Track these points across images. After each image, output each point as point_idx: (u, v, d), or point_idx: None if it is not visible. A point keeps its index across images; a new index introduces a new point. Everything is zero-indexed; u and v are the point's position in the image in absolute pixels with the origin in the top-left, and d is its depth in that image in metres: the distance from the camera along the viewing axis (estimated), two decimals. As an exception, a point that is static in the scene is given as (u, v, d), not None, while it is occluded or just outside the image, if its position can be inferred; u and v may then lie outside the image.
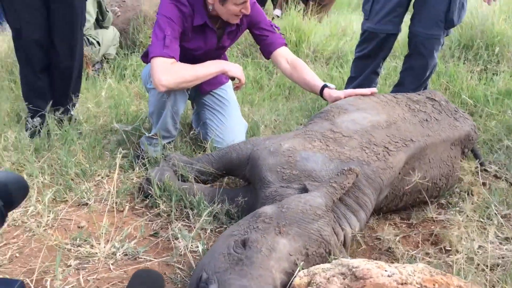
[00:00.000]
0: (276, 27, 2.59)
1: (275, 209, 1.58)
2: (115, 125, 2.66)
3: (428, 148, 2.00)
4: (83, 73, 3.08)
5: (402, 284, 1.22)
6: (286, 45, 2.59)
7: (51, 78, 2.71)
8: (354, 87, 3.06)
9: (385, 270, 1.26)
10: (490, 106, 3.10)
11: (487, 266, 1.65)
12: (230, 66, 2.37)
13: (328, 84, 2.39)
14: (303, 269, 1.40)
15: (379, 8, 2.86)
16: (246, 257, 1.38)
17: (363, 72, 3.07)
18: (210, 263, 1.42)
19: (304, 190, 1.71)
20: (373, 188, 1.79)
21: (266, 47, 2.57)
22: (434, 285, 1.25)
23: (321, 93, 2.39)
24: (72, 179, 2.27)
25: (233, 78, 2.47)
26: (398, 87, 3.00)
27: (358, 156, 1.83)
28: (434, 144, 2.03)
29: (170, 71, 2.20)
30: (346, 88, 3.20)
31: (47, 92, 2.69)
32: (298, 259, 1.43)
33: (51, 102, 2.59)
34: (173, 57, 2.23)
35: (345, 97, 2.25)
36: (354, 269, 1.27)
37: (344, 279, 1.27)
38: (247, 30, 2.60)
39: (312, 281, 1.31)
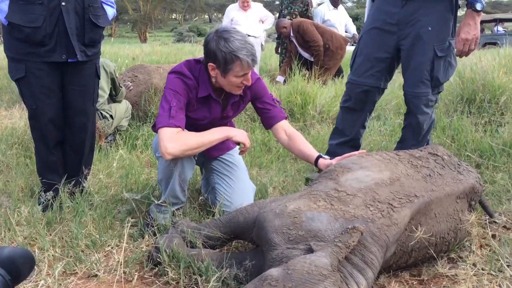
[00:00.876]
0: (277, 101, 2.71)
1: (280, 271, 1.59)
2: (125, 194, 2.72)
3: (433, 203, 2.01)
4: (95, 146, 3.19)
5: None
6: (286, 118, 2.70)
7: (64, 153, 2.81)
8: (343, 142, 3.14)
9: (391, 330, 1.24)
10: (497, 158, 3.11)
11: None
12: (234, 132, 2.46)
13: (322, 155, 2.47)
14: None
15: (361, 61, 2.98)
16: None
17: (350, 125, 3.13)
18: None
19: (310, 250, 1.72)
20: (379, 245, 1.79)
21: (267, 120, 2.69)
22: None
23: (316, 163, 2.46)
24: (82, 251, 2.30)
25: (238, 143, 2.55)
26: (401, 144, 3.04)
27: (362, 214, 1.84)
28: (439, 198, 2.03)
29: (175, 140, 2.28)
30: (331, 141, 3.26)
31: (60, 166, 2.79)
32: None
33: (64, 175, 2.67)
34: (179, 127, 2.32)
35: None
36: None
37: None
38: (250, 103, 2.72)
39: None
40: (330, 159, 2.42)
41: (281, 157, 3.72)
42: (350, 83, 3.08)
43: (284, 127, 2.66)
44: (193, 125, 2.51)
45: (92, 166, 3.03)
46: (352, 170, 2.12)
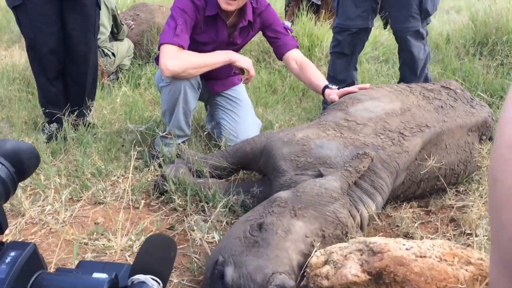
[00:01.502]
0: (289, 29, 2.61)
1: (290, 194, 1.57)
2: (129, 125, 2.68)
3: (444, 133, 1.97)
4: (98, 83, 3.13)
5: (421, 257, 1.19)
6: (298, 47, 2.61)
7: (66, 86, 2.75)
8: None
9: (403, 244, 1.23)
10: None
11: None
12: (238, 56, 2.38)
13: (330, 84, 2.40)
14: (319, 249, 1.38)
15: (346, 4, 2.90)
16: (262, 239, 1.38)
17: (343, 70, 3.07)
18: (226, 246, 1.41)
19: (319, 176, 1.69)
20: (389, 172, 1.76)
21: (278, 49, 2.60)
22: (453, 258, 1.21)
23: (323, 92, 2.40)
24: (87, 179, 2.29)
25: (243, 72, 2.48)
26: (401, 82, 2.98)
27: (373, 142, 1.81)
28: (450, 130, 1.99)
29: (176, 57, 2.23)
30: None
31: (62, 98, 2.74)
32: (314, 240, 1.41)
33: (67, 106, 2.63)
34: (181, 46, 2.26)
35: (339, 97, 2.23)
36: (371, 245, 1.25)
37: (361, 255, 1.25)
38: (261, 33, 2.63)
39: (329, 259, 1.28)
40: (338, 88, 2.36)
41: (287, 97, 3.66)
42: (338, 28, 3.00)
43: (295, 56, 2.57)
44: (199, 51, 2.43)
45: (95, 102, 2.98)
46: (362, 101, 2.07)
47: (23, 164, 0.87)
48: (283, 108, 3.38)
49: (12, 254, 0.73)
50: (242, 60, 2.38)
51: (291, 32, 2.59)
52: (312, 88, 2.53)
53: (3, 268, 0.70)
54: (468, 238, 1.72)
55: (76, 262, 1.65)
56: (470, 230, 1.76)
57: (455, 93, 2.21)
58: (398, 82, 3.08)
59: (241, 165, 2.16)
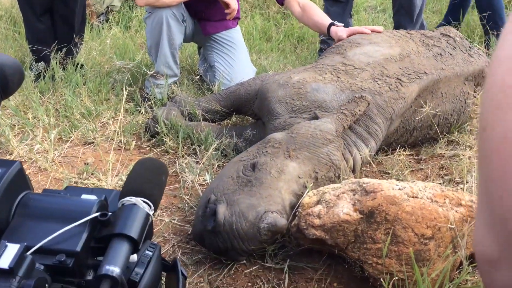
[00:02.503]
0: None
1: (284, 135, 1.56)
2: (116, 62, 2.62)
3: (441, 81, 1.94)
4: (87, 24, 3.02)
5: (412, 197, 1.19)
6: None
7: (54, 23, 2.66)
8: None
9: (396, 185, 1.23)
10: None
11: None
12: None
13: (335, 22, 2.33)
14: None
15: None
16: (255, 178, 1.37)
17: (337, 18, 2.99)
18: (219, 185, 1.41)
19: (315, 118, 1.67)
20: (384, 117, 1.75)
21: None
22: (445, 199, 1.22)
23: (328, 31, 2.33)
24: (77, 119, 2.25)
25: (227, 6, 2.38)
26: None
27: (370, 87, 1.78)
28: (447, 77, 1.97)
29: None
30: (322, 39, 3.12)
31: (49, 36, 2.64)
32: (307, 181, 1.41)
33: (55, 45, 2.55)
34: None
35: (347, 36, 2.18)
36: (364, 185, 1.24)
37: (354, 194, 1.25)
38: None
39: (321, 199, 1.28)
40: (345, 26, 2.29)
41: (282, 45, 3.58)
42: None
43: None
44: None
45: (83, 42, 2.89)
46: (361, 45, 2.02)
47: (7, 81, 0.83)
48: (278, 56, 3.31)
49: (-4, 171, 0.70)
50: None
51: None
52: (316, 29, 2.46)
53: (-15, 184, 0.68)
54: (458, 185, 1.73)
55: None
56: (460, 178, 1.77)
57: (454, 41, 2.17)
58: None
59: (234, 108, 2.13)
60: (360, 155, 1.65)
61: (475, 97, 2.14)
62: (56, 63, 2.50)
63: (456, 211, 1.19)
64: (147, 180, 0.78)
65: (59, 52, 2.52)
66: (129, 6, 4.26)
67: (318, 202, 1.28)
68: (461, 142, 2.07)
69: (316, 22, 2.42)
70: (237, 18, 2.66)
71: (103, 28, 3.78)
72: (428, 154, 2.00)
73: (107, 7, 4.00)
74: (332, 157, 1.49)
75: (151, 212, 0.73)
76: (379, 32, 2.12)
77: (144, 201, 0.74)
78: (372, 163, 1.78)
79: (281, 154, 1.47)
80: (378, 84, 1.80)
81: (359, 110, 1.63)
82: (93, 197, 0.75)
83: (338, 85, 1.79)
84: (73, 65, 2.64)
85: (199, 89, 2.59)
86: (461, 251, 1.18)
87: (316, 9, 2.46)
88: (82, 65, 2.74)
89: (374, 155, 1.94)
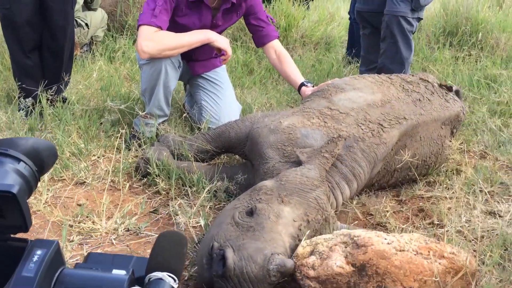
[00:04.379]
0: (271, 19, 2.65)
1: (274, 182, 1.65)
2: (109, 102, 2.67)
3: (420, 126, 2.08)
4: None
5: (400, 250, 1.29)
6: (278, 37, 2.67)
7: (43, 59, 2.69)
8: (373, 68, 3.24)
9: (385, 239, 1.33)
10: (474, 90, 3.20)
11: (475, 238, 1.75)
12: (216, 36, 2.38)
13: (305, 82, 2.51)
14: (306, 236, 1.47)
15: None
16: (257, 223, 1.45)
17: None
18: (219, 233, 1.47)
19: (299, 162, 1.77)
20: (368, 161, 1.86)
21: (260, 38, 2.65)
22: (429, 252, 1.32)
23: (299, 89, 2.50)
24: (68, 159, 2.28)
25: (220, 52, 2.49)
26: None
27: (354, 133, 1.90)
28: (425, 122, 2.10)
29: (153, 38, 2.23)
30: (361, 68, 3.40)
31: (37, 72, 2.68)
32: (301, 225, 1.51)
33: (43, 82, 2.59)
34: (159, 27, 2.25)
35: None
36: (355, 238, 1.34)
37: (346, 247, 1.34)
38: (242, 18, 2.64)
39: (315, 250, 1.37)
40: (313, 86, 2.45)
41: (263, 79, 3.70)
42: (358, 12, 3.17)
43: (275, 46, 2.63)
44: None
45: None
46: (345, 91, 2.14)
47: (43, 162, 0.90)
48: (260, 90, 3.42)
49: (39, 252, 0.76)
50: (219, 39, 2.38)
51: (273, 22, 2.63)
52: (288, 82, 2.66)
53: (31, 267, 0.74)
54: (436, 229, 1.85)
55: (65, 245, 1.68)
56: (439, 221, 1.89)
57: (432, 86, 2.31)
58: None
59: (225, 149, 2.21)
60: (342, 197, 1.77)
61: (450, 140, 2.29)
62: (46, 101, 2.53)
63: (439, 263, 1.29)
64: (171, 254, 0.85)
65: (48, 91, 2.55)
66: (112, 36, 4.32)
67: (311, 253, 1.37)
68: (439, 183, 2.20)
69: (288, 77, 2.61)
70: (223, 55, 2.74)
71: (86, 58, 3.83)
72: (408, 196, 2.12)
73: (91, 37, 4.05)
74: (319, 201, 1.60)
75: (175, 286, 0.81)
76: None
77: (169, 275, 0.81)
78: (356, 208, 1.89)
79: (274, 200, 1.56)
80: (362, 129, 1.91)
81: (338, 149, 1.73)
82: (123, 272, 0.81)
83: (325, 131, 1.90)
84: (61, 101, 2.67)
85: (187, 127, 2.66)
86: (445, 300, 1.28)
87: (290, 63, 2.63)
88: (66, 99, 2.77)
89: (358, 195, 2.05)
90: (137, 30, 2.31)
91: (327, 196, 1.67)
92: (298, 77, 2.56)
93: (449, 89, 2.33)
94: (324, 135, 1.87)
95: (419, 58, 3.80)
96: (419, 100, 2.16)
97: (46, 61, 2.72)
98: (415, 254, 1.30)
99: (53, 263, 0.77)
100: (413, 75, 2.35)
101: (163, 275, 0.80)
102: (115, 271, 0.82)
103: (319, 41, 4.50)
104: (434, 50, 3.94)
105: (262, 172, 1.86)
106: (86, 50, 4.01)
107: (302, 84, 2.50)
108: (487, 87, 3.22)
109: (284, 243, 1.41)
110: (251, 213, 1.50)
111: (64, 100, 2.75)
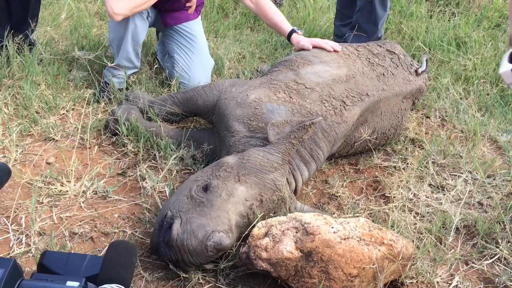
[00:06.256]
0: None
1: (236, 160, 1.74)
2: (77, 52, 2.63)
3: (381, 101, 2.16)
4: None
5: (344, 239, 1.43)
6: None
7: (8, 3, 2.59)
8: (348, 23, 3.16)
9: (332, 227, 1.46)
10: (444, 52, 3.25)
11: (417, 213, 1.92)
12: None
13: (296, 29, 2.44)
14: (259, 215, 1.60)
15: None
16: (207, 199, 1.59)
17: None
18: (175, 203, 1.62)
19: (266, 139, 1.84)
20: (328, 141, 1.96)
21: None
22: (371, 238, 1.47)
23: (288, 37, 2.44)
24: (36, 112, 2.29)
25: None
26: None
27: (317, 110, 1.97)
28: (387, 98, 2.18)
29: None
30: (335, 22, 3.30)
31: (3, 16, 2.58)
32: (253, 204, 1.64)
33: (8, 28, 2.51)
34: None
35: (313, 47, 2.32)
36: (306, 225, 1.46)
37: (296, 232, 1.47)
38: None
39: (269, 232, 1.50)
40: (302, 34, 2.42)
41: (238, 25, 3.64)
42: None
43: None
44: None
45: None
46: (312, 64, 2.18)
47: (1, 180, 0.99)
48: (234, 38, 3.39)
49: (-2, 271, 0.86)
50: None
51: None
52: (275, 30, 2.55)
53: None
54: (386, 203, 2.00)
55: (35, 208, 1.76)
56: (390, 194, 2.04)
57: (398, 58, 2.36)
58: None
59: (193, 114, 2.27)
60: (302, 179, 1.88)
61: (412, 110, 2.39)
62: (13, 48, 2.48)
63: (379, 250, 1.44)
64: (120, 265, 0.98)
65: (15, 38, 2.48)
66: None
67: (266, 235, 1.50)
68: (396, 152, 2.33)
69: (274, 24, 2.51)
70: (200, 6, 2.67)
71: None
72: (366, 166, 2.25)
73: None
74: (277, 183, 1.71)
75: (123, 295, 0.93)
76: (337, 52, 2.27)
77: (118, 287, 0.94)
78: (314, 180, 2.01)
79: (232, 178, 1.67)
80: (325, 106, 1.98)
81: (306, 137, 1.81)
82: (76, 284, 0.93)
83: (290, 107, 1.96)
84: (28, 44, 2.61)
85: (158, 79, 2.66)
86: (380, 283, 1.45)
87: (271, 7, 2.51)
88: (34, 43, 2.71)
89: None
90: None
91: (286, 178, 1.78)
92: (285, 25, 2.46)
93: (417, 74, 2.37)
94: (288, 111, 1.93)
95: (396, 11, 3.78)
96: (383, 74, 2.21)
97: (11, 6, 2.61)
98: (358, 241, 1.44)
99: (12, 278, 0.89)
100: (380, 46, 2.37)
101: (112, 286, 0.93)
102: (69, 283, 0.93)
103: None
104: (411, 3, 3.91)
105: (228, 145, 1.93)
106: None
107: (292, 31, 2.43)
108: (457, 48, 3.27)
109: (229, 221, 1.55)
110: (206, 189, 1.62)
111: (32, 43, 2.69)
